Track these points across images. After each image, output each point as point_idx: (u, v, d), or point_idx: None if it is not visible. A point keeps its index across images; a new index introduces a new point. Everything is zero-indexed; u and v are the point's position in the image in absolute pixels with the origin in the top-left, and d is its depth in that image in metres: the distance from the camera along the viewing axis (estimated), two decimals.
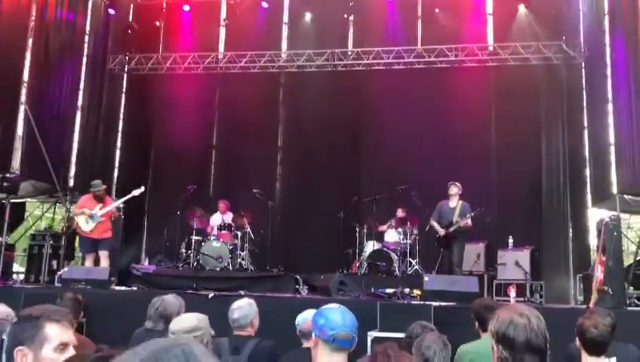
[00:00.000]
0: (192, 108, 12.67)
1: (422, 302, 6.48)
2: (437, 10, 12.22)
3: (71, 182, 11.78)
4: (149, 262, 11.08)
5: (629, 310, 6.62)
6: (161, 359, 0.64)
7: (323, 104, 11.98)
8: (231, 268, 9.65)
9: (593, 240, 10.21)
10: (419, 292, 7.05)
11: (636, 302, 7.36)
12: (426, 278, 7.09)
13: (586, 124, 11.50)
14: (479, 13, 12.35)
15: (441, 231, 8.68)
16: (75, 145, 12.11)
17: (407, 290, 7.23)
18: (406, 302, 6.77)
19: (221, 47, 13.38)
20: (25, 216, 11.58)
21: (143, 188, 9.03)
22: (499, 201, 10.35)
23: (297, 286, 8.65)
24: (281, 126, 13.10)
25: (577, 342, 3.37)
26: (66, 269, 8.43)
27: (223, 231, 10.09)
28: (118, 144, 13.14)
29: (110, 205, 8.65)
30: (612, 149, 10.49)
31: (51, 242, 9.58)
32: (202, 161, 13.00)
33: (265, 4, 12.74)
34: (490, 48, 12.06)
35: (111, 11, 12.81)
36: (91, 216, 8.45)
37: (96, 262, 8.45)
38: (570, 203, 11.18)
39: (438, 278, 7.41)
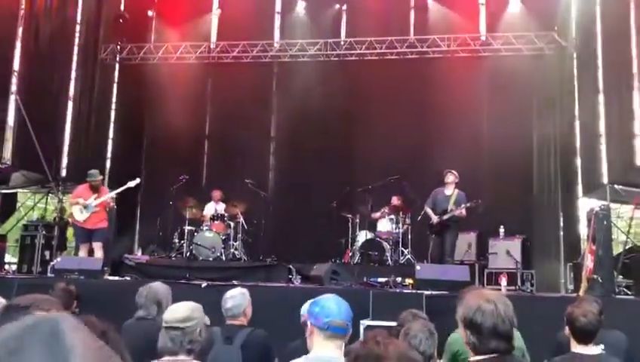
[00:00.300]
0: (185, 98, 12.61)
1: (414, 291, 6.54)
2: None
3: (63, 173, 11.74)
4: (142, 253, 11.09)
5: (617, 298, 6.71)
6: (27, 336, 0.63)
7: (316, 94, 11.95)
8: (224, 258, 9.68)
9: (583, 230, 10.29)
10: (411, 281, 7.10)
11: (625, 290, 7.46)
12: (418, 267, 7.14)
13: (577, 114, 11.56)
14: (472, 3, 12.37)
15: (435, 218, 8.68)
16: (67, 136, 12.06)
17: (399, 279, 7.27)
18: (398, 290, 6.82)
19: (213, 37, 13.30)
20: (17, 207, 11.55)
21: (138, 180, 9.02)
22: (490, 191, 10.40)
23: (290, 276, 8.68)
24: (274, 116, 13.09)
25: (566, 330, 3.42)
26: (58, 259, 8.42)
27: (216, 222, 10.10)
28: (110, 134, 13.08)
29: (105, 195, 8.62)
30: (602, 139, 10.57)
31: (44, 232, 9.55)
32: (195, 151, 12.97)
33: None
34: (483, 38, 12.08)
35: None
36: (86, 206, 8.42)
37: (90, 252, 8.43)
38: (561, 192, 11.27)
39: (430, 267, 7.47)
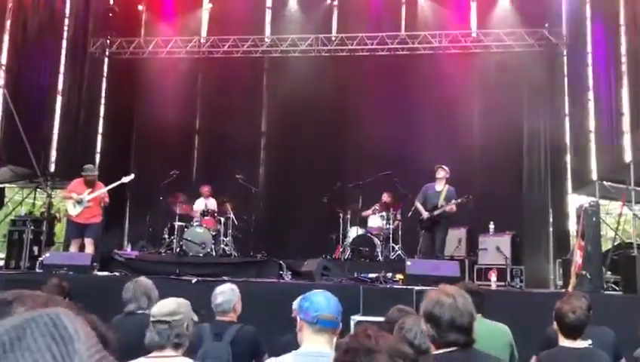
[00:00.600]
0: (175, 92, 12.54)
1: (404, 287, 6.56)
2: None
3: (52, 167, 11.65)
4: (131, 248, 11.01)
5: (605, 294, 6.77)
6: (27, 329, 0.65)
7: (307, 89, 11.92)
8: (214, 254, 9.64)
9: (573, 226, 10.37)
10: (401, 277, 7.12)
11: (613, 286, 7.53)
12: (408, 263, 7.17)
13: (567, 111, 11.63)
14: (463, 0, 12.38)
15: (425, 214, 8.69)
16: (56, 130, 11.96)
17: (389, 275, 7.29)
18: (388, 286, 6.84)
19: (204, 32, 13.22)
20: (4, 202, 11.44)
21: (132, 176, 8.96)
22: (480, 187, 10.43)
23: (281, 272, 8.67)
24: (265, 111, 13.05)
25: (555, 325, 3.44)
26: (47, 255, 8.35)
27: (206, 217, 10.06)
28: (100, 129, 12.99)
29: (98, 191, 8.56)
30: (592, 136, 10.65)
31: (32, 228, 9.46)
32: (185, 146, 12.91)
33: None
34: (474, 35, 12.10)
35: None
36: (79, 200, 8.36)
37: (82, 248, 8.37)
38: (551, 189, 11.35)
39: (420, 263, 7.48)
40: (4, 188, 11.52)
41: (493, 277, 7.86)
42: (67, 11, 12.34)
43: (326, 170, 11.68)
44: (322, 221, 10.68)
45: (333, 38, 12.40)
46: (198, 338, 3.62)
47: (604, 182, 9.70)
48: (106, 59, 13.13)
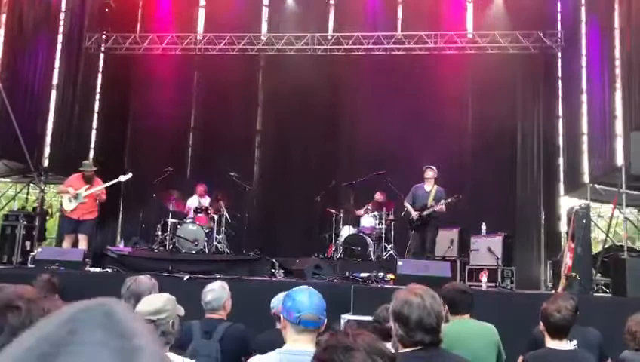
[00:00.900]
0: (170, 89, 12.53)
1: (395, 286, 6.58)
2: None
3: (45, 163, 11.62)
4: (124, 244, 11.00)
5: (595, 296, 6.82)
6: (79, 320, 0.62)
7: (302, 88, 11.94)
8: (207, 251, 9.64)
9: (564, 228, 10.43)
10: (393, 277, 7.15)
11: (603, 288, 7.58)
12: (400, 263, 7.20)
13: (560, 114, 11.69)
14: (459, 1, 12.42)
15: (415, 214, 8.72)
16: (50, 125, 11.93)
17: (381, 274, 7.32)
18: (379, 285, 6.87)
19: (200, 28, 13.21)
20: None
21: (130, 175, 8.95)
22: (473, 188, 10.48)
23: (273, 270, 8.69)
24: (260, 109, 13.05)
25: (541, 325, 3.47)
26: (39, 250, 8.34)
27: (200, 214, 10.06)
28: (94, 125, 12.97)
29: (95, 187, 8.54)
30: (585, 139, 10.70)
31: (25, 223, 9.46)
32: (179, 143, 12.90)
33: None
34: (470, 36, 12.14)
35: None
36: (76, 196, 8.34)
37: (75, 244, 8.36)
38: (543, 190, 11.41)
39: (412, 263, 7.51)
40: None
41: (484, 277, 7.89)
42: (63, 6, 12.31)
43: (320, 169, 11.70)
44: (315, 220, 10.70)
45: (330, 37, 12.41)
46: (187, 336, 3.63)
47: (596, 185, 9.76)
48: (102, 55, 13.10)
